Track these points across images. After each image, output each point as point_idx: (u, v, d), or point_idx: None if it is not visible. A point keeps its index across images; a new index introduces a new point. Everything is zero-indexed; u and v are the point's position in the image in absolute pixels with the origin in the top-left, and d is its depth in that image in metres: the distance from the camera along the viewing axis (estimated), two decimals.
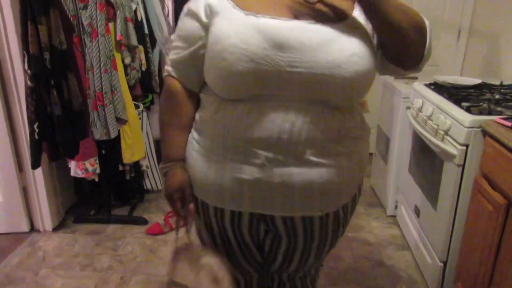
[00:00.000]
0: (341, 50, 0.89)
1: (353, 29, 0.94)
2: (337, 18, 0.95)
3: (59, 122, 1.96)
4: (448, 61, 3.25)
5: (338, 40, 0.90)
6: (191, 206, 1.09)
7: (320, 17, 0.93)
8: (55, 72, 1.92)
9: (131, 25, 2.34)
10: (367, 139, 1.07)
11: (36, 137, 1.99)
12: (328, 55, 0.88)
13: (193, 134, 1.04)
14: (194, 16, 0.97)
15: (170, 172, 1.05)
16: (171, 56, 1.04)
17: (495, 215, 1.42)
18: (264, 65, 0.87)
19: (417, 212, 2.16)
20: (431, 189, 1.96)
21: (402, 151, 2.45)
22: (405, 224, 2.39)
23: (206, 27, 0.95)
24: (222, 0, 0.95)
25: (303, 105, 0.91)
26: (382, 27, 0.93)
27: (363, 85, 0.95)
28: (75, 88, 1.97)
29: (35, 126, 1.95)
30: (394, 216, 2.62)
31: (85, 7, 2.15)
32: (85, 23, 2.15)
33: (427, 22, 0.97)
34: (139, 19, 2.50)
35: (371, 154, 3.01)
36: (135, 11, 2.46)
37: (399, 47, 0.95)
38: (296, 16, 0.93)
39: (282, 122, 0.90)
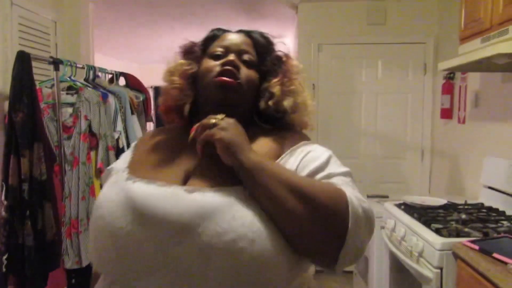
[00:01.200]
0: (220, 232, 0.67)
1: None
2: (238, 178, 0.74)
3: (29, 254, 1.90)
4: (416, 179, 3.43)
5: (224, 214, 0.68)
6: None
7: (219, 179, 0.75)
8: (32, 202, 1.93)
9: (112, 153, 2.43)
10: None
11: (4, 269, 1.91)
12: (202, 237, 0.67)
13: None
14: (103, 181, 0.93)
15: None
16: None
17: None
18: (126, 244, 0.71)
19: None
20: None
21: (381, 271, 2.43)
22: None
23: None
24: (125, 160, 0.88)
25: None
26: (264, 204, 0.71)
27: (263, 275, 0.68)
28: (50, 217, 1.97)
29: (4, 258, 1.89)
30: None
31: (69, 138, 2.25)
32: (68, 152, 2.23)
33: (354, 209, 0.70)
34: (121, 146, 2.61)
35: (350, 272, 2.96)
36: (117, 139, 2.58)
37: (294, 236, 0.71)
38: (186, 178, 0.78)
39: None
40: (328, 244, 0.70)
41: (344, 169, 0.80)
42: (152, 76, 6.20)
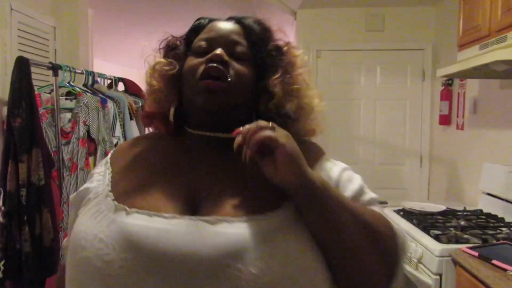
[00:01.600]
0: (256, 273, 0.54)
1: (294, 221, 0.61)
2: (271, 202, 0.61)
3: (27, 259, 1.89)
4: (414, 185, 3.43)
5: (260, 251, 0.56)
6: None
7: (243, 204, 0.61)
8: (30, 208, 1.92)
9: None
10: None
11: (1, 275, 1.89)
12: (233, 282, 0.54)
13: None
14: (73, 206, 0.73)
15: None
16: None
17: None
18: None
19: None
20: None
21: None
22: None
23: None
24: (104, 180, 0.69)
25: None
26: (322, 231, 0.60)
27: None
28: (48, 223, 1.96)
29: (1, 263, 1.88)
30: None
31: (68, 143, 2.25)
32: (66, 158, 2.23)
33: (403, 241, 0.65)
34: None
35: None
36: (115, 145, 2.58)
37: (348, 268, 0.62)
38: (196, 204, 0.62)
39: None
40: (381, 277, 0.63)
41: (374, 194, 0.72)
42: None
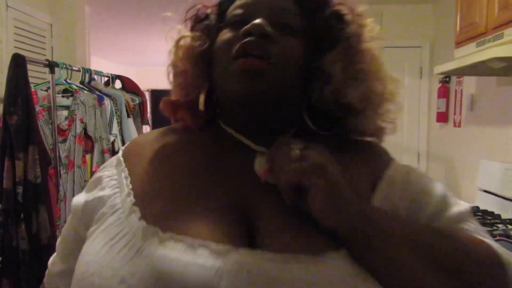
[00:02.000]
0: None
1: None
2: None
3: (24, 257, 1.89)
4: None
5: None
6: None
7: (305, 235, 0.46)
8: (26, 205, 1.91)
9: (108, 156, 2.43)
10: None
11: None
12: None
13: None
14: (78, 219, 0.56)
15: None
16: (49, 265, 0.63)
17: None
18: None
19: None
20: None
21: None
22: None
23: (83, 240, 0.52)
24: (121, 187, 0.53)
25: None
26: (389, 283, 0.45)
27: None
28: (45, 221, 1.95)
29: None
30: None
31: (64, 141, 2.25)
32: (63, 155, 2.23)
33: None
34: (116, 150, 2.60)
35: None
36: (112, 142, 2.58)
37: None
38: (250, 227, 0.47)
39: None
40: None
41: (464, 203, 0.55)
42: (149, 79, 6.24)
